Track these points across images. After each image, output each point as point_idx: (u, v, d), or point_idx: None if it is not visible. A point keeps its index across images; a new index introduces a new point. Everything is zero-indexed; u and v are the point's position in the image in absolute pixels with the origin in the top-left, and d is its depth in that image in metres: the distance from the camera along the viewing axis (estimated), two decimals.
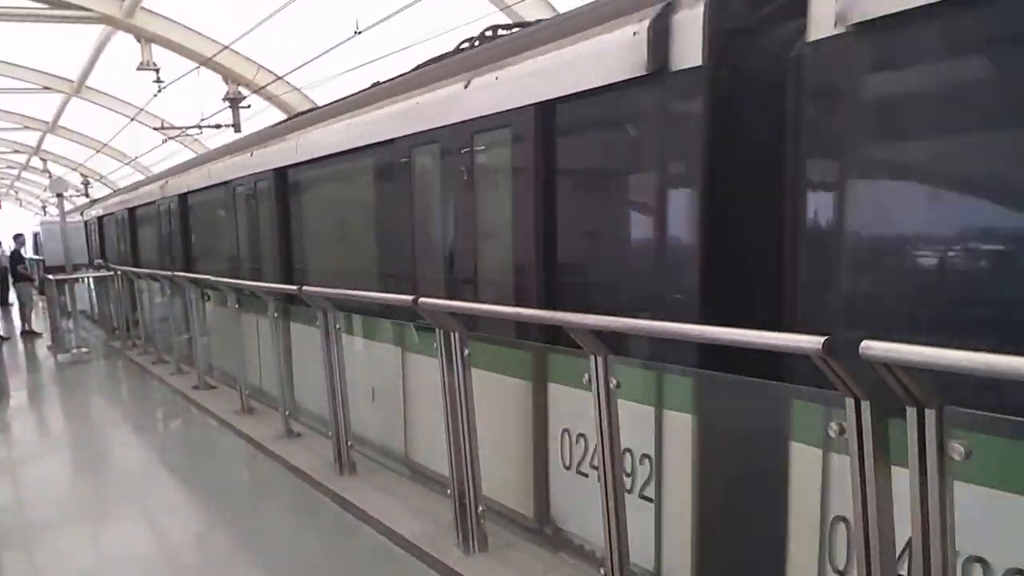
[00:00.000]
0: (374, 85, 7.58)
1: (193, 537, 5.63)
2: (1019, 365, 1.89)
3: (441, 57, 6.55)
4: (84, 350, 14.26)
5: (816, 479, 3.22)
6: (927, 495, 2.20)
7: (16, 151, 34.20)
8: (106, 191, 29.40)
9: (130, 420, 9.70)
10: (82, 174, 34.17)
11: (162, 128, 21.59)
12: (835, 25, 3.04)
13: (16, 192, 50.87)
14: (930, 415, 2.15)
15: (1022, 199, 2.82)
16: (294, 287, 6.37)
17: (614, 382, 3.50)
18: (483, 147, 5.20)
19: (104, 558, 5.27)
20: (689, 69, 3.71)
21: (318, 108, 9.09)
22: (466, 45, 6.39)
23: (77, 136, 30.05)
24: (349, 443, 6.08)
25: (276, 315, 7.31)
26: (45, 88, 23.35)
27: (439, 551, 4.62)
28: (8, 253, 18.07)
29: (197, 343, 10.21)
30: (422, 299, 4.53)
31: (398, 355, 6.14)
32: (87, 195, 33.28)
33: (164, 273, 11.50)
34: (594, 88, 4.23)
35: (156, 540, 5.67)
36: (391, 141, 6.17)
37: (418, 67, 6.80)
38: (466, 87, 5.29)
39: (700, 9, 3.65)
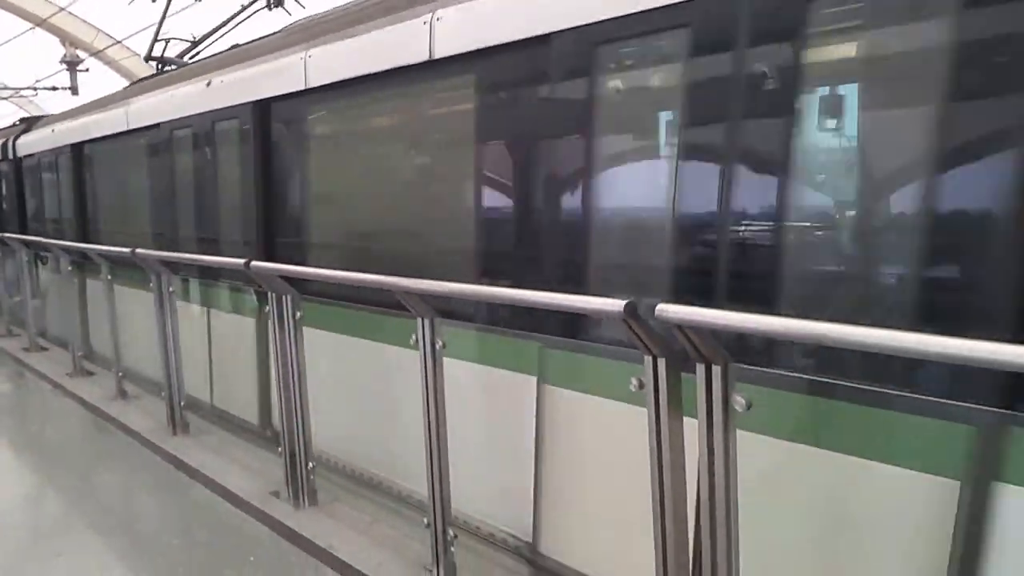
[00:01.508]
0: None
1: (21, 499, 5.53)
2: (790, 326, 2.10)
3: None
4: None
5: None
6: (713, 445, 2.38)
7: None
8: None
9: None
10: None
11: None
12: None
13: None
14: (716, 371, 2.33)
15: None
16: (127, 250, 6.30)
17: (440, 343, 3.57)
18: None
19: None
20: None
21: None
22: None
23: None
24: (182, 403, 6.13)
25: (110, 277, 7.20)
26: None
27: (269, 506, 4.77)
28: None
29: (28, 305, 9.86)
30: (254, 263, 4.63)
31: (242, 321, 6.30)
32: None
33: None
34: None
35: None
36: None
37: None
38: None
39: (11, 143, 10.87)
